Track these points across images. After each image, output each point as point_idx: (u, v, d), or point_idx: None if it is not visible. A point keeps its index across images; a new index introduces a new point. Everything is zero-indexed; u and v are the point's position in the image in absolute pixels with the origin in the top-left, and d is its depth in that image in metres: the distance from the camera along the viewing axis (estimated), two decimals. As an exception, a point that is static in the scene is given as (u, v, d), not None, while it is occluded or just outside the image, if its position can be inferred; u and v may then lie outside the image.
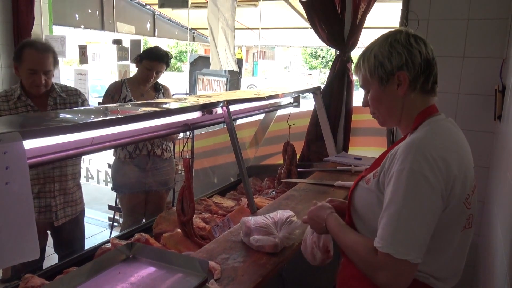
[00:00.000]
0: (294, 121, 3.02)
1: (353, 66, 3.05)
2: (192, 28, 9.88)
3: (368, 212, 1.20)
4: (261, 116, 3.49)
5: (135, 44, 5.56)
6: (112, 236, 2.21)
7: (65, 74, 7.14)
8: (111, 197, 4.30)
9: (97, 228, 4.46)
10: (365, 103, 1.30)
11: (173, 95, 3.55)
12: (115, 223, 4.18)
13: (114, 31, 6.84)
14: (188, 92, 7.16)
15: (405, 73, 1.16)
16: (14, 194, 1.02)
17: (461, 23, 2.57)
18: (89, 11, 7.95)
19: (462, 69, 2.60)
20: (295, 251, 1.75)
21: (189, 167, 1.94)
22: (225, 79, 6.48)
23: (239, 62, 6.45)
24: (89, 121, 1.40)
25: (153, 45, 3.20)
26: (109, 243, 1.82)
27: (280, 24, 8.95)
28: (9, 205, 1.01)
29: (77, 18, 7.70)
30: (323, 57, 26.21)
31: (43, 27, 4.60)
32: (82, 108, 2.35)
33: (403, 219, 1.04)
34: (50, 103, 2.33)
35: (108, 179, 5.10)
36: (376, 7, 3.09)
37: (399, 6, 2.77)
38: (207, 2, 5.44)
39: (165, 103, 2.10)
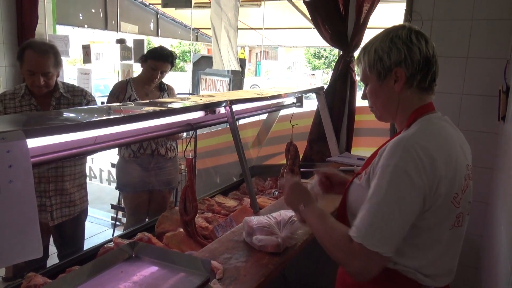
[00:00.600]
0: (297, 121, 3.02)
1: (356, 67, 3.04)
2: (195, 28, 9.89)
3: (356, 207, 1.20)
4: (264, 116, 3.49)
5: (139, 43, 5.57)
6: (115, 235, 2.21)
7: (69, 74, 7.18)
8: (114, 196, 4.31)
9: (100, 227, 4.47)
10: (364, 96, 1.31)
11: (177, 94, 3.56)
12: (117, 222, 4.19)
13: (117, 31, 6.84)
14: (191, 92, 7.16)
15: (402, 70, 1.17)
16: (18, 192, 1.02)
17: (465, 23, 2.57)
18: (93, 10, 7.98)
19: (466, 69, 2.59)
20: (297, 251, 1.75)
21: (191, 166, 1.94)
22: (228, 79, 6.49)
23: (242, 62, 6.46)
24: (92, 120, 1.40)
25: (156, 45, 3.21)
26: (112, 242, 1.82)
27: (283, 24, 8.95)
28: (12, 203, 1.01)
29: (81, 18, 7.73)
30: (326, 57, 26.20)
31: (47, 26, 4.62)
32: (86, 107, 2.35)
33: (381, 214, 1.06)
34: (53, 103, 2.34)
35: (111, 179, 5.11)
36: (379, 7, 3.08)
37: (402, 6, 2.76)
38: (210, 2, 5.44)
39: (168, 102, 2.10)
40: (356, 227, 1.09)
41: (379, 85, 1.22)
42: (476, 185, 2.62)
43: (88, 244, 2.63)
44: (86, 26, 8.00)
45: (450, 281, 1.23)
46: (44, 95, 2.31)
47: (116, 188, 3.15)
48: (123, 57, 5.55)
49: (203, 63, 7.37)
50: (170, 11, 9.63)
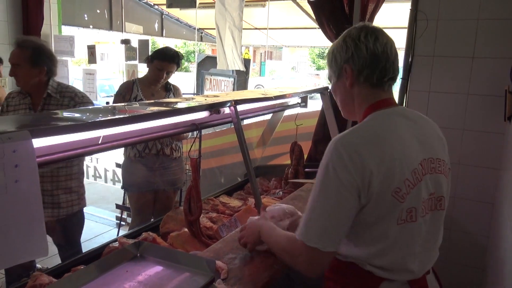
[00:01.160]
0: (302, 121, 3.01)
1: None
2: (200, 28, 9.90)
3: None
4: (268, 116, 3.48)
5: (143, 44, 5.58)
6: (120, 235, 2.22)
7: (74, 74, 7.21)
8: (119, 196, 4.32)
9: (105, 227, 4.48)
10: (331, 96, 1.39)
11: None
12: (122, 222, 4.21)
13: (122, 31, 6.87)
14: (195, 92, 7.17)
15: (350, 66, 1.24)
16: (23, 192, 1.03)
17: (471, 23, 2.55)
18: (98, 11, 8.01)
19: (472, 69, 2.58)
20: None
21: (196, 166, 1.94)
22: (232, 79, 6.48)
23: (247, 62, 6.45)
24: (97, 120, 1.41)
25: (161, 45, 3.22)
26: (117, 242, 1.83)
27: (287, 24, 8.95)
28: (18, 203, 1.02)
29: (86, 18, 7.77)
30: (331, 57, 26.13)
31: (52, 27, 4.65)
32: (91, 107, 2.36)
33: (315, 212, 1.14)
34: (41, 103, 2.36)
35: (116, 178, 5.13)
36: (384, 7, 3.07)
37: (407, 6, 2.75)
38: (215, 2, 5.44)
39: (173, 102, 2.11)
40: (299, 227, 1.18)
41: (335, 83, 1.32)
42: (481, 186, 2.63)
43: (93, 243, 2.64)
44: (91, 26, 8.04)
45: (414, 278, 1.22)
46: (36, 94, 2.34)
47: (122, 187, 3.17)
48: (128, 58, 5.56)
49: (207, 63, 7.37)
50: (175, 12, 9.65)
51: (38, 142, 1.20)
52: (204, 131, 3.07)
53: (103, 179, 5.33)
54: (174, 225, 2.07)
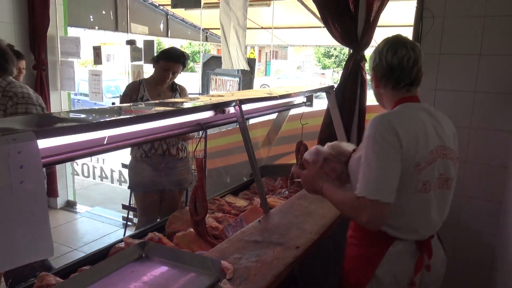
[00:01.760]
0: (307, 120, 3.00)
1: (367, 65, 3.04)
2: (205, 28, 9.90)
3: (356, 175, 1.46)
4: (273, 116, 3.48)
5: (149, 44, 5.58)
6: (126, 235, 2.22)
7: (80, 75, 7.24)
8: (125, 196, 4.33)
9: (111, 227, 4.50)
10: None
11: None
12: (129, 223, 4.22)
13: (127, 32, 6.87)
14: (201, 92, 7.18)
15: (375, 72, 1.56)
16: (29, 193, 1.03)
17: (477, 20, 2.53)
18: (103, 12, 8.04)
19: (479, 67, 2.55)
20: (308, 251, 1.74)
21: (202, 166, 1.94)
22: (237, 79, 6.48)
23: (252, 62, 6.45)
24: (102, 120, 1.41)
25: (166, 46, 3.23)
26: (123, 242, 1.83)
27: (293, 23, 8.91)
28: (23, 203, 1.02)
29: (92, 20, 7.79)
30: (336, 56, 26.07)
31: (58, 28, 4.67)
32: (97, 108, 2.36)
33: (372, 171, 1.37)
34: None
35: (122, 179, 5.15)
36: (390, 5, 3.05)
37: (413, 3, 2.73)
38: (219, 2, 5.44)
39: (178, 102, 2.11)
40: (358, 187, 1.38)
41: (371, 82, 1.62)
42: (489, 184, 2.60)
43: (99, 244, 2.65)
44: (96, 27, 8.07)
45: (420, 239, 1.50)
46: None
47: (128, 187, 3.18)
48: (133, 58, 5.57)
49: (213, 63, 7.37)
50: (180, 12, 9.65)
51: (43, 143, 1.20)
52: (209, 131, 3.07)
53: (110, 180, 5.35)
54: (180, 225, 2.08)
